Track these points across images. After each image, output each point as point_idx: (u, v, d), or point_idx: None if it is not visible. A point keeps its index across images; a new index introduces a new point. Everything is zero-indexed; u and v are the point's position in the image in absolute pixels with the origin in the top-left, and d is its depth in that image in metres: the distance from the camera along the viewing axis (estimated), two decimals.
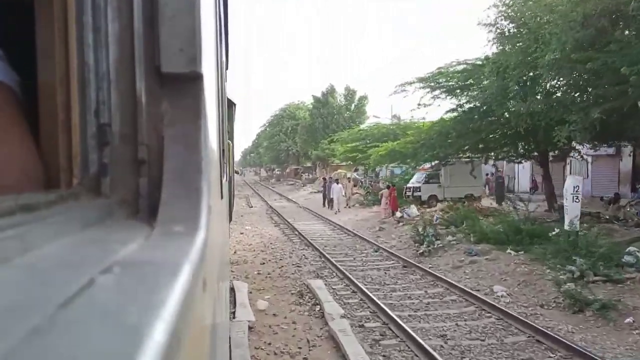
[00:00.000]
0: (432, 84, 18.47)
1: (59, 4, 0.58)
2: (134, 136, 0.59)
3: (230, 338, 5.55)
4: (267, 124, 67.00)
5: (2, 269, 0.33)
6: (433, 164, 23.03)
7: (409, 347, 6.21)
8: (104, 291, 0.34)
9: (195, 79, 0.59)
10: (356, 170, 38.99)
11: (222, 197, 1.66)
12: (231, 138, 6.60)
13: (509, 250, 11.06)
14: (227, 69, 3.75)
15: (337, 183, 24.41)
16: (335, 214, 22.38)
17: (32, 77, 0.62)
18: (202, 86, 0.60)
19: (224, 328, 1.65)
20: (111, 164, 0.58)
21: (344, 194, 24.17)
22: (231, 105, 7.41)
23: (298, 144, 53.90)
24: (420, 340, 6.13)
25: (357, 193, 28.24)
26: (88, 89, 0.58)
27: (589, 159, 20.56)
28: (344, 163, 39.92)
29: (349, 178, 29.72)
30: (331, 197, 24.20)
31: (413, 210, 18.97)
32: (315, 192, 34.58)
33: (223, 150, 2.05)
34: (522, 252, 10.77)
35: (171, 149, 0.58)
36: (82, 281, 0.34)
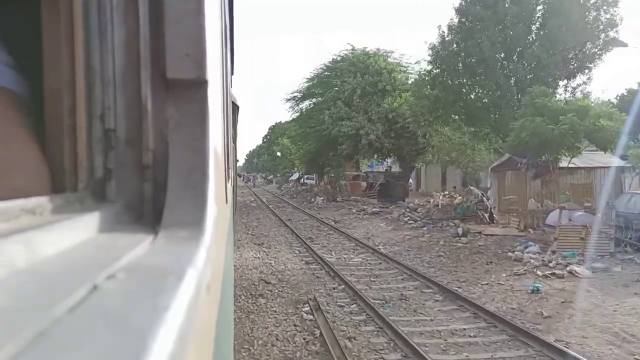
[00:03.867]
0: None
1: (65, 9, 0.59)
2: (139, 141, 0.59)
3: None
4: (299, 96, 35.24)
5: (7, 273, 0.33)
6: None
7: None
8: (108, 296, 0.34)
9: (200, 84, 0.59)
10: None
11: (227, 202, 1.66)
12: (234, 141, 6.63)
13: None
14: (232, 74, 3.76)
15: None
16: None
17: (38, 82, 0.62)
18: (207, 91, 0.60)
19: (228, 333, 1.65)
20: (116, 169, 0.59)
21: None
22: (235, 108, 7.45)
23: (407, 118, 23.29)
24: None
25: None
26: (94, 94, 0.58)
27: None
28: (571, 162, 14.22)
29: None
30: None
31: None
32: None
33: (228, 154, 2.05)
34: None
35: (176, 154, 0.58)
36: (87, 286, 0.34)
